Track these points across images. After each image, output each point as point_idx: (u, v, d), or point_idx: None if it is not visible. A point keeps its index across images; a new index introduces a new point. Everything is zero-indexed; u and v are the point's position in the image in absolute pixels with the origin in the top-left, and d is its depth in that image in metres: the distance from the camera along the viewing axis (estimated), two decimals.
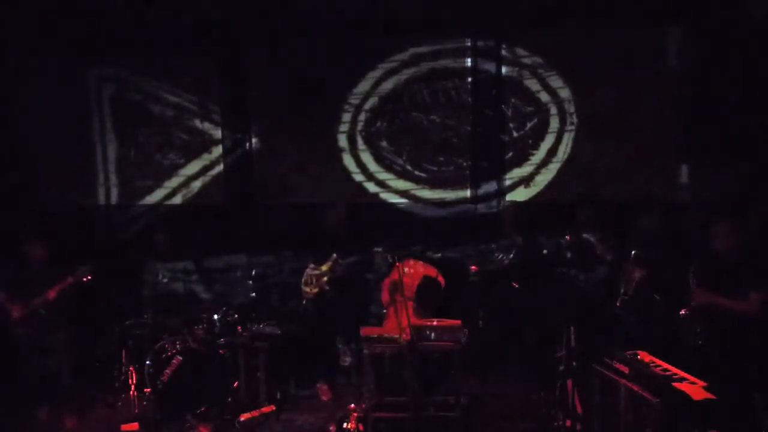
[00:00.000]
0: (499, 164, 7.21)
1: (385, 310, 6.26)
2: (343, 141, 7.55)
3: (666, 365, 4.15)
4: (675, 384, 3.88)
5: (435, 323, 5.17)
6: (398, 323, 4.92)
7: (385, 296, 6.17)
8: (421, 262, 6.31)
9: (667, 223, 5.89)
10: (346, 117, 7.52)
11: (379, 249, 5.38)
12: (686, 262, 4.96)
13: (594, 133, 7.00)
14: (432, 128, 7.35)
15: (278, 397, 5.72)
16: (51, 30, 7.24)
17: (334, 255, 6.07)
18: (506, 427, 5.24)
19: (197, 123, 7.80)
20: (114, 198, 8.04)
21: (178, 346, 5.51)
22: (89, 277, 5.76)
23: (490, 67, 7.14)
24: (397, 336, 5.00)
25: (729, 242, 4.70)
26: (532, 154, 7.18)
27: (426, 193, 7.40)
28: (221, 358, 5.63)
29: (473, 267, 6.40)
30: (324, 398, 5.92)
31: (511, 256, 6.24)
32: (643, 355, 4.32)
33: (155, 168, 7.92)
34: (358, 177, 7.55)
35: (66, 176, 7.95)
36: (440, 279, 6.23)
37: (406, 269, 5.88)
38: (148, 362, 5.41)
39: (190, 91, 7.75)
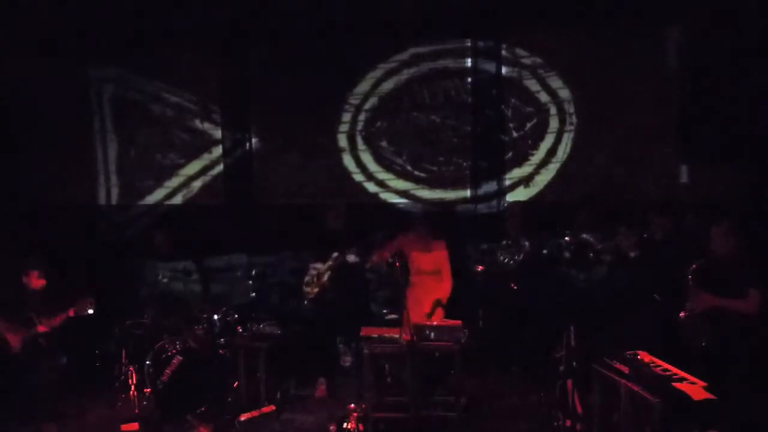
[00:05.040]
0: (499, 164, 7.21)
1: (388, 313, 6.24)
2: (343, 141, 7.55)
3: (666, 365, 4.15)
4: (675, 384, 3.87)
5: (435, 323, 5.17)
6: (403, 320, 4.92)
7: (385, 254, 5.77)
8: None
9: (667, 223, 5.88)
10: (346, 117, 7.52)
11: (392, 260, 5.31)
12: (686, 262, 4.95)
13: (594, 133, 7.00)
14: (432, 128, 7.35)
15: (278, 397, 5.72)
16: (51, 30, 7.24)
17: (335, 254, 6.06)
18: (506, 427, 5.24)
19: (197, 123, 7.80)
20: (114, 198, 8.04)
21: (178, 346, 5.52)
22: (91, 312, 5.62)
23: (490, 67, 7.14)
24: (397, 336, 5.00)
25: (726, 244, 4.70)
26: (532, 154, 7.18)
27: (426, 193, 7.40)
28: (221, 358, 5.64)
29: (479, 267, 6.40)
30: (319, 395, 5.91)
31: (516, 258, 6.23)
32: (643, 355, 4.31)
33: (155, 168, 7.92)
34: (358, 177, 7.55)
35: (66, 176, 7.95)
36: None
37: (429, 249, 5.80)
38: (148, 362, 5.41)
39: (190, 91, 7.75)
